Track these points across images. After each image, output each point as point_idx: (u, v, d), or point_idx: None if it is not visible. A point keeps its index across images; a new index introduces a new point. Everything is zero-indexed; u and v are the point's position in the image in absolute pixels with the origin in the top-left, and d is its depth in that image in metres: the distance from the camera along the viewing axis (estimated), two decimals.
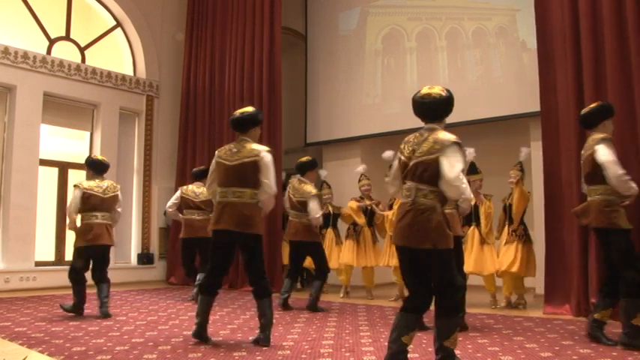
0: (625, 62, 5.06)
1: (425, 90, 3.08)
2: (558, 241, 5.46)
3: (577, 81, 5.40)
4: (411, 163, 2.96)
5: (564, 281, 5.37)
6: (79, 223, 5.28)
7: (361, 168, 7.19)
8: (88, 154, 8.87)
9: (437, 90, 3.05)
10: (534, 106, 6.59)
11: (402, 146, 3.10)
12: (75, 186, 5.33)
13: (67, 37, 8.91)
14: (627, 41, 5.05)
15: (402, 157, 3.07)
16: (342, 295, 7.08)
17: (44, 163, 8.26)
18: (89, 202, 5.20)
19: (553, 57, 5.66)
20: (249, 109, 4.22)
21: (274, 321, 4.91)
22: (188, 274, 6.77)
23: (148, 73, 9.57)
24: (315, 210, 5.72)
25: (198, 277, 6.43)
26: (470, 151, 5.63)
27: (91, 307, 5.91)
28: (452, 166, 2.83)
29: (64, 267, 8.24)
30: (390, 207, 6.55)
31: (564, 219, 5.39)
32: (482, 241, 5.87)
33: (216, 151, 4.17)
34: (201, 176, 6.73)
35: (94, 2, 9.22)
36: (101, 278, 5.32)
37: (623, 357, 3.41)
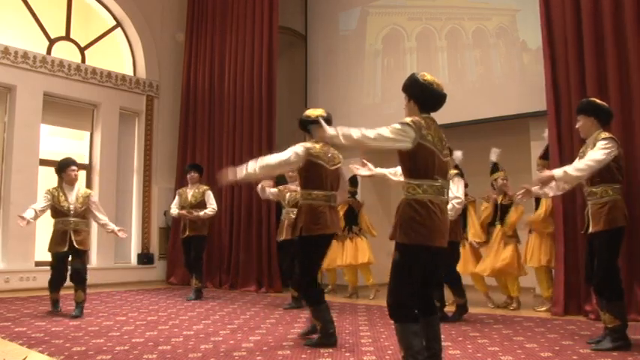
0: (623, 60, 5.09)
1: (437, 80, 2.94)
2: (565, 241, 5.42)
3: (580, 80, 5.40)
4: (442, 159, 2.80)
5: (569, 282, 5.34)
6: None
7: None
8: (88, 155, 8.92)
9: None
10: (534, 105, 6.60)
11: (423, 132, 2.75)
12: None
13: (67, 37, 8.91)
14: (626, 37, 5.09)
15: (429, 145, 2.75)
16: (348, 294, 7.07)
17: (44, 163, 8.25)
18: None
19: (557, 56, 5.65)
20: (322, 111, 4.21)
21: (274, 320, 4.92)
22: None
23: (148, 73, 9.57)
24: None
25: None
26: (496, 151, 5.76)
27: (91, 307, 5.91)
28: None
29: None
30: None
31: (577, 221, 5.36)
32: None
33: (308, 149, 4.01)
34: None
35: (94, 2, 9.22)
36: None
37: (623, 357, 3.41)
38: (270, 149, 8.05)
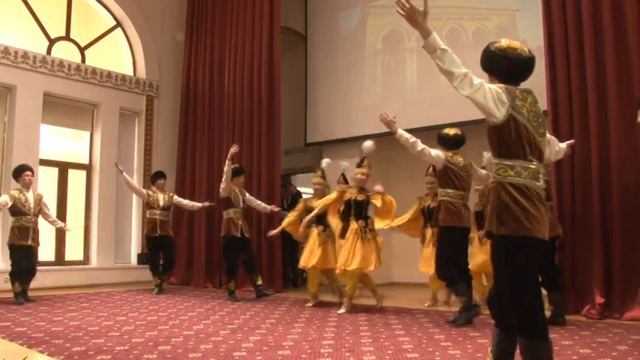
0: (623, 59, 5.10)
1: (516, 43, 2.54)
2: (571, 243, 5.40)
3: (580, 79, 5.41)
4: (537, 138, 2.41)
5: (570, 282, 5.34)
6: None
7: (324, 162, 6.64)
8: (88, 155, 8.92)
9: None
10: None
11: (517, 102, 2.40)
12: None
13: (67, 37, 8.91)
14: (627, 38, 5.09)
15: (522, 120, 2.38)
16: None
17: (44, 163, 8.26)
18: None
19: (557, 56, 5.66)
20: (457, 130, 4.97)
21: (274, 320, 4.92)
22: None
23: (148, 73, 9.57)
24: None
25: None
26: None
27: (90, 307, 5.91)
28: None
29: (64, 267, 8.30)
30: None
31: (577, 221, 5.37)
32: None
33: (447, 156, 4.77)
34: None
35: (94, 2, 9.22)
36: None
37: (623, 357, 3.41)
38: (272, 150, 8.06)
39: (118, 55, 9.56)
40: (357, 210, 5.60)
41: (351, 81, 8.97)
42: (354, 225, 5.53)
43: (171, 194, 7.84)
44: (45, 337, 4.07)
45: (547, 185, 4.38)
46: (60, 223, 6.89)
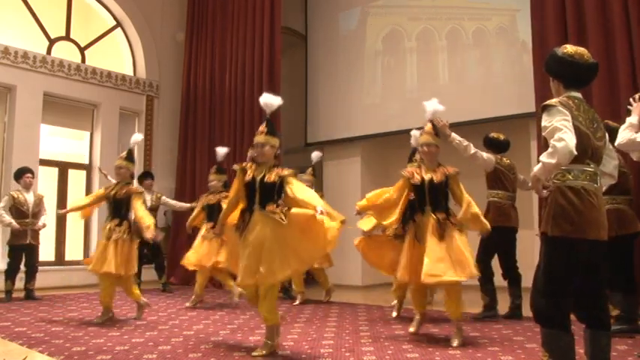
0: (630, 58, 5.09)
1: (581, 49, 2.57)
2: None
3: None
4: (596, 143, 2.51)
5: None
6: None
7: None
8: (88, 155, 8.93)
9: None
10: (534, 106, 6.60)
11: (574, 112, 2.46)
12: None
13: (67, 37, 8.92)
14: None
15: (581, 127, 2.46)
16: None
17: (44, 163, 8.26)
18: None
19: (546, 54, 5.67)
20: (503, 135, 5.21)
21: None
22: None
23: (148, 73, 9.57)
24: None
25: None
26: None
27: (90, 307, 5.91)
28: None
29: (64, 267, 8.29)
30: None
31: None
32: None
33: (497, 158, 5.02)
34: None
35: (94, 2, 9.23)
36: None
37: (623, 357, 3.41)
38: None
39: (118, 55, 9.57)
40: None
41: (351, 81, 8.97)
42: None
43: (158, 195, 7.79)
44: (45, 337, 4.07)
45: (625, 177, 4.15)
46: (37, 224, 6.63)
